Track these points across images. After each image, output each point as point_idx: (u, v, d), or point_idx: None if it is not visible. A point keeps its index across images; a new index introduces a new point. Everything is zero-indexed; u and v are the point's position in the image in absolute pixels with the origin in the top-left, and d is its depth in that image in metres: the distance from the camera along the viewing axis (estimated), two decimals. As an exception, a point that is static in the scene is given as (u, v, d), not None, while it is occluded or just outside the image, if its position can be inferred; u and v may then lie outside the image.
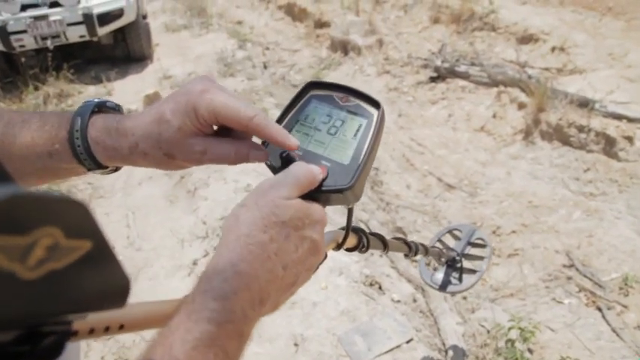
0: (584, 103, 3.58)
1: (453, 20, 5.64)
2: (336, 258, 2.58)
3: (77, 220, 0.26)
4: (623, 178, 3.10)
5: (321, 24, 6.45)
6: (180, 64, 5.90)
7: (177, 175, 3.55)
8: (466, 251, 1.67)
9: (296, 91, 0.61)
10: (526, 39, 4.93)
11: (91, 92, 5.30)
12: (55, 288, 0.25)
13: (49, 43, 5.01)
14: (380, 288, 2.47)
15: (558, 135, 3.52)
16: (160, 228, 3.05)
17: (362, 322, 2.24)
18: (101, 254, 0.28)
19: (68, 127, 0.55)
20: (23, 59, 5.30)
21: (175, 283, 2.60)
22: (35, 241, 0.23)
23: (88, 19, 5.06)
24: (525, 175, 3.34)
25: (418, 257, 1.47)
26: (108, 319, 0.40)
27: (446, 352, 2.13)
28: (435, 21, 5.82)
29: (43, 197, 0.23)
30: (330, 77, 5.19)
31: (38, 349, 0.29)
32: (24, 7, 4.90)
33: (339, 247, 0.67)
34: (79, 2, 5.05)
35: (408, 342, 2.14)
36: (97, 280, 0.28)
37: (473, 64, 4.53)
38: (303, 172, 0.51)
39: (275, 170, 0.56)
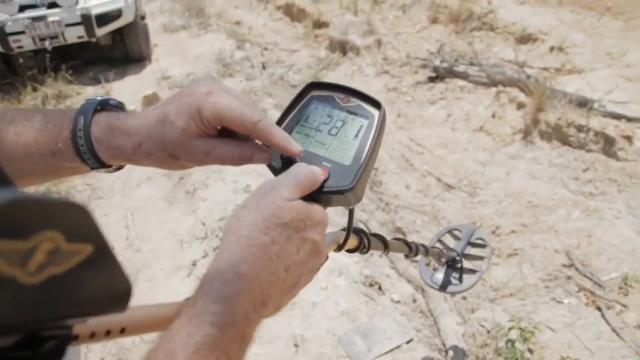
0: (583, 103, 3.58)
1: (451, 20, 5.64)
2: (336, 258, 2.58)
3: (78, 223, 0.25)
4: (622, 178, 3.10)
5: (319, 24, 6.45)
6: (179, 65, 5.89)
7: (176, 176, 3.55)
8: (466, 251, 1.67)
9: (295, 91, 0.61)
10: (524, 39, 4.93)
11: (90, 93, 5.29)
12: (56, 293, 0.25)
13: (47, 44, 5.00)
14: (380, 288, 2.46)
15: (557, 135, 3.52)
16: (159, 229, 3.04)
17: (362, 323, 2.24)
18: (102, 258, 0.28)
19: (71, 126, 0.54)
20: (21, 60, 5.29)
21: (174, 284, 2.60)
22: (36, 246, 0.23)
23: (86, 20, 5.05)
24: (524, 174, 3.34)
25: (418, 258, 1.47)
26: (109, 323, 0.40)
27: (446, 352, 2.13)
28: (434, 21, 5.82)
29: (43, 201, 0.23)
30: (329, 77, 5.18)
31: (39, 353, 0.29)
32: (22, 8, 4.89)
33: (340, 248, 0.67)
34: (77, 3, 5.04)
35: (408, 342, 2.14)
36: (98, 284, 0.28)
37: (471, 64, 4.53)
38: (305, 174, 0.51)
39: (276, 171, 0.56)
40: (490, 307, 2.36)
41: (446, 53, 4.81)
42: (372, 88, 4.75)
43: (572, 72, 4.24)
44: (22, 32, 4.86)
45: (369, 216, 3.02)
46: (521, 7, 5.62)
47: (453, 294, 2.01)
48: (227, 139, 0.55)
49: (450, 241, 1.72)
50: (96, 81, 5.59)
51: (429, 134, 3.95)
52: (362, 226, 2.80)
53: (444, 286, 1.61)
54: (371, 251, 0.78)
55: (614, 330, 2.20)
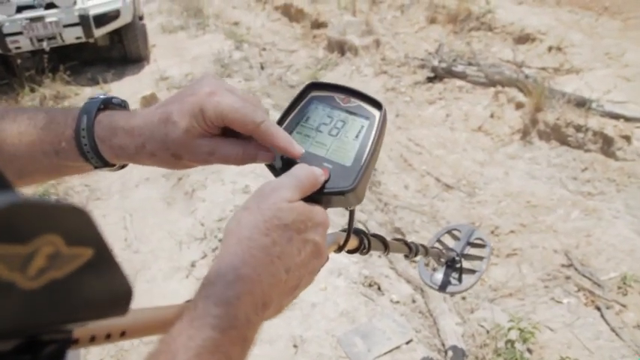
0: (582, 103, 3.59)
1: (449, 20, 5.64)
2: (335, 259, 2.57)
3: (78, 227, 0.25)
4: (621, 178, 3.10)
5: (317, 24, 6.45)
6: (177, 65, 5.89)
7: (174, 177, 3.54)
8: (465, 251, 1.67)
9: (293, 91, 0.61)
10: (523, 39, 4.94)
11: (88, 94, 5.28)
12: (56, 297, 0.25)
13: (45, 45, 4.99)
14: (379, 289, 2.46)
15: (556, 134, 3.52)
16: (158, 230, 3.04)
17: (361, 323, 2.23)
18: (103, 261, 0.28)
19: (74, 125, 0.54)
20: (19, 61, 5.28)
21: (173, 285, 2.59)
22: (36, 250, 0.23)
23: (84, 21, 5.04)
24: (523, 174, 3.34)
25: (417, 258, 1.46)
26: (109, 326, 0.40)
27: (445, 352, 2.13)
28: (432, 21, 5.82)
29: (43, 204, 0.23)
30: (327, 78, 5.18)
31: (39, 357, 0.28)
32: (20, 9, 4.88)
33: (340, 249, 0.67)
34: (75, 3, 5.02)
35: (407, 343, 2.14)
36: (98, 288, 0.28)
37: (470, 64, 4.54)
38: (305, 175, 0.50)
39: (276, 171, 0.56)
40: (489, 307, 2.36)
41: (444, 53, 4.81)
42: (370, 89, 4.75)
43: (571, 72, 4.25)
44: (20, 33, 4.84)
45: (368, 216, 3.02)
46: (520, 7, 5.63)
47: (452, 294, 2.01)
48: (230, 138, 0.54)
49: (450, 241, 1.72)
50: (94, 82, 5.58)
51: (427, 134, 3.95)
52: (361, 227, 2.80)
53: (443, 287, 1.60)
54: (371, 252, 0.78)
55: (613, 330, 2.21)
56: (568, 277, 2.50)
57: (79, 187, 3.58)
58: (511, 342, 2.08)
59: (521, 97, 3.88)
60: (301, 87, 0.61)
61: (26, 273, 0.23)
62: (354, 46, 5.47)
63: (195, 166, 0.57)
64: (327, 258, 0.55)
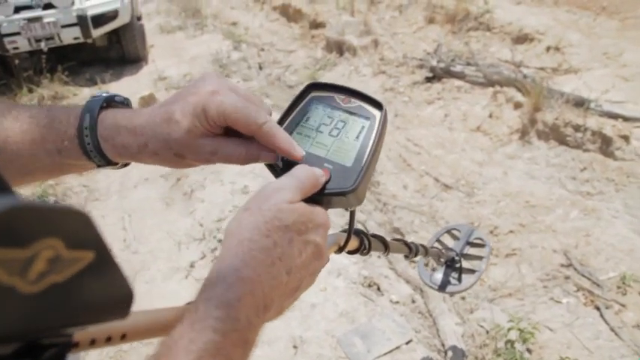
0: (580, 103, 3.59)
1: (448, 20, 5.65)
2: (335, 259, 2.57)
3: (79, 230, 0.25)
4: (619, 177, 3.10)
5: (316, 24, 6.45)
6: (176, 66, 5.88)
7: (173, 178, 3.54)
8: (465, 251, 1.67)
9: (292, 92, 0.60)
10: (521, 39, 4.94)
11: (86, 94, 5.27)
12: (57, 301, 0.24)
13: (43, 45, 4.98)
14: (378, 289, 2.46)
15: (555, 134, 3.52)
16: (157, 230, 3.03)
17: (361, 324, 2.23)
18: (104, 264, 0.27)
19: (77, 124, 0.54)
20: (17, 61, 5.27)
21: (172, 285, 2.59)
22: (36, 254, 0.22)
23: (82, 21, 5.03)
24: (522, 174, 3.34)
25: (417, 258, 1.46)
26: (109, 329, 0.39)
27: (445, 352, 2.13)
28: (430, 21, 5.82)
29: (43, 208, 0.22)
30: (326, 78, 5.18)
31: (39, 362, 0.28)
32: (17, 9, 4.87)
33: (340, 250, 0.67)
34: (73, 4, 5.02)
35: (407, 343, 2.14)
36: (99, 291, 0.27)
37: (468, 64, 4.54)
38: (306, 176, 0.50)
39: (276, 172, 0.55)
40: (489, 307, 2.36)
41: (443, 53, 4.81)
42: (369, 89, 4.75)
43: (569, 72, 4.25)
44: (18, 33, 4.83)
45: (367, 216, 3.02)
46: (518, 7, 5.63)
47: (452, 294, 2.01)
48: (233, 138, 0.54)
49: (449, 241, 1.72)
50: (92, 82, 5.57)
51: (426, 134, 3.95)
52: (359, 227, 2.80)
53: (443, 286, 1.60)
54: (371, 252, 0.78)
55: (612, 329, 2.20)
56: (567, 277, 2.50)
57: (78, 188, 3.57)
58: (511, 342, 2.08)
59: (519, 97, 3.88)
60: (301, 87, 0.60)
61: (26, 277, 0.22)
62: (352, 46, 5.47)
63: (197, 165, 0.57)
64: (328, 259, 0.55)
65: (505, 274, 2.57)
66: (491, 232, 2.85)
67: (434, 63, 4.67)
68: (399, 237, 2.24)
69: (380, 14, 6.32)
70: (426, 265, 1.79)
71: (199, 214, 3.10)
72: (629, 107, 3.57)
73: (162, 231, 3.01)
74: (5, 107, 0.55)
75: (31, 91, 5.02)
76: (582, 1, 5.39)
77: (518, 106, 3.87)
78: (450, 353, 2.11)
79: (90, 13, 5.08)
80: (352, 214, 0.62)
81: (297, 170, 0.50)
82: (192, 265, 2.70)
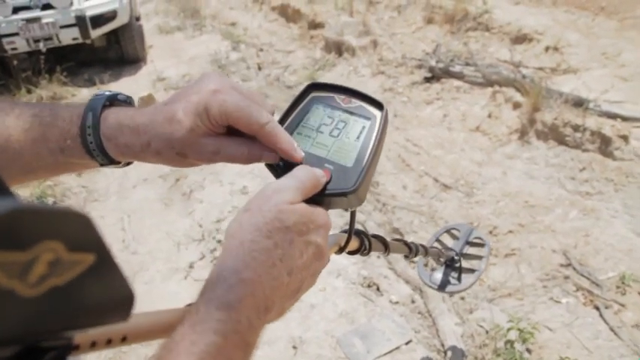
0: (579, 103, 3.59)
1: (446, 20, 5.65)
2: (334, 260, 2.56)
3: (79, 232, 0.24)
4: (619, 177, 3.10)
5: (315, 25, 6.44)
6: (174, 66, 5.88)
7: (172, 178, 3.53)
8: (464, 250, 1.66)
9: (291, 92, 0.60)
10: (520, 39, 4.94)
11: (85, 95, 5.26)
12: (57, 305, 0.24)
13: (41, 46, 4.97)
14: (378, 289, 2.46)
15: (554, 134, 3.52)
16: (156, 231, 3.03)
17: (360, 324, 2.23)
18: (104, 267, 0.27)
19: (80, 122, 0.53)
20: (15, 62, 5.26)
21: (172, 286, 2.58)
22: (36, 257, 0.22)
23: (80, 22, 5.02)
24: (521, 174, 3.34)
25: (416, 258, 1.46)
26: (110, 332, 0.39)
27: (445, 352, 2.13)
28: (429, 21, 5.83)
29: (44, 210, 0.22)
30: (325, 78, 5.18)
31: (39, 365, 0.28)
32: (16, 10, 4.86)
33: (341, 250, 0.66)
34: (71, 4, 5.01)
35: (407, 343, 2.14)
36: (100, 294, 0.27)
37: (467, 64, 4.54)
38: (307, 176, 0.50)
39: (276, 172, 0.55)
40: (488, 307, 2.36)
41: (441, 53, 4.81)
42: (368, 89, 4.75)
43: (568, 72, 4.26)
44: (16, 34, 4.82)
45: (367, 217, 3.02)
46: (516, 7, 5.64)
47: (451, 294, 2.01)
48: (236, 137, 0.54)
49: (449, 241, 1.72)
50: (91, 83, 5.57)
51: (425, 134, 3.95)
52: (359, 228, 2.80)
53: (442, 286, 1.60)
54: (371, 252, 0.78)
55: (612, 329, 2.21)
56: (567, 277, 2.50)
57: (77, 189, 3.56)
58: (510, 342, 2.08)
59: (518, 97, 3.89)
60: (300, 87, 0.60)
61: (26, 280, 0.22)
62: (351, 46, 5.47)
63: (200, 164, 0.57)
64: (329, 260, 0.55)
65: (504, 274, 2.57)
66: (491, 232, 2.85)
67: (433, 63, 4.67)
68: (398, 237, 2.24)
69: (379, 14, 6.32)
70: (426, 265, 1.79)
71: (198, 215, 3.10)
72: (627, 107, 3.57)
73: (161, 232, 3.01)
74: (7, 105, 0.55)
75: (29, 91, 5.01)
76: (581, 2, 5.40)
77: (517, 106, 3.87)
78: (449, 353, 2.11)
79: (88, 13, 5.07)
80: (353, 215, 0.62)
81: (297, 171, 0.50)
82: (191, 266, 2.70)
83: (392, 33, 5.75)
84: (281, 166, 0.55)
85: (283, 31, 6.87)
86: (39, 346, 0.27)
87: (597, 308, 2.32)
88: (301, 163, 0.53)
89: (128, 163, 0.59)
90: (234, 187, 3.28)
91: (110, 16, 5.28)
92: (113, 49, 6.11)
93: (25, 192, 3.36)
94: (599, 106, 3.54)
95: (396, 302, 2.38)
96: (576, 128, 3.41)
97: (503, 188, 3.20)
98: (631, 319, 2.25)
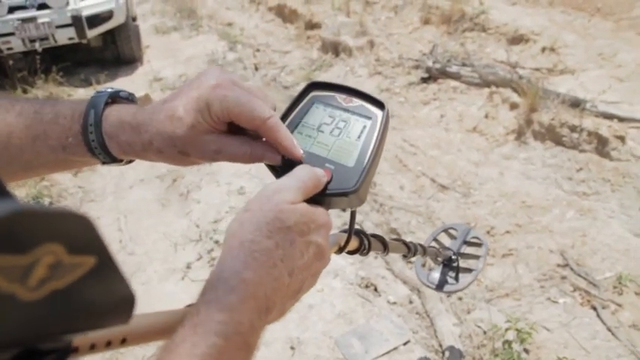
0: (576, 103, 3.60)
1: (443, 21, 5.65)
2: (332, 260, 2.56)
3: (80, 234, 0.24)
4: (615, 178, 3.11)
5: (311, 25, 6.44)
6: (171, 66, 5.86)
7: (169, 178, 3.52)
8: (462, 250, 1.66)
9: (288, 92, 0.60)
10: (516, 39, 4.95)
11: (81, 95, 5.24)
12: (57, 308, 0.24)
13: (37, 46, 4.94)
14: (376, 290, 2.46)
15: (551, 135, 3.53)
16: (153, 232, 3.02)
17: (358, 325, 2.23)
18: (105, 269, 0.26)
19: (82, 120, 0.53)
20: (11, 62, 5.23)
21: (169, 287, 2.57)
22: (36, 260, 0.21)
23: (77, 22, 5.00)
24: (518, 175, 3.35)
25: (414, 259, 1.46)
26: (109, 334, 0.39)
27: (443, 353, 2.13)
28: (426, 22, 5.83)
29: (44, 212, 0.21)
30: (322, 78, 5.16)
31: (38, 368, 0.27)
32: (11, 10, 4.83)
33: (341, 250, 0.66)
34: (67, 4, 4.98)
35: (405, 344, 2.14)
36: (101, 296, 0.27)
37: (464, 65, 4.54)
38: (308, 176, 0.49)
39: (277, 172, 0.55)
40: (486, 307, 2.36)
41: (438, 54, 4.81)
42: (365, 89, 4.74)
43: (565, 72, 4.27)
44: (12, 34, 4.79)
45: (364, 217, 3.01)
46: (513, 8, 5.65)
47: (449, 293, 2.01)
48: (238, 136, 0.53)
49: (446, 240, 1.72)
50: (87, 83, 5.55)
51: (422, 135, 3.95)
52: (357, 228, 2.79)
53: (440, 286, 1.60)
54: (370, 252, 0.77)
55: (609, 329, 2.21)
56: (564, 277, 2.50)
57: (73, 189, 3.55)
58: (508, 342, 2.08)
59: (515, 98, 3.89)
60: (298, 88, 0.60)
61: (26, 284, 0.21)
62: (348, 46, 5.47)
63: (201, 163, 0.56)
64: (329, 260, 0.55)
65: (502, 275, 2.57)
66: (488, 232, 2.85)
67: (430, 64, 4.67)
68: (396, 237, 2.24)
69: (375, 15, 6.32)
70: (423, 265, 1.79)
71: (195, 215, 3.09)
72: (624, 108, 3.58)
73: (158, 232, 3.00)
74: (9, 102, 0.54)
75: (25, 91, 4.98)
76: (577, 2, 5.41)
77: (514, 106, 3.88)
78: (447, 354, 2.11)
79: (85, 13, 5.05)
80: (353, 214, 0.62)
81: (298, 170, 0.50)
82: (188, 267, 2.69)
83: (389, 33, 5.75)
84: (281, 166, 0.54)
85: (280, 32, 6.86)
86: (38, 349, 0.27)
87: (594, 308, 2.32)
88: (301, 163, 0.53)
89: (129, 162, 0.59)
90: (231, 187, 3.27)
91: (106, 16, 5.26)
92: (109, 49, 6.09)
93: (21, 192, 3.35)
94: (596, 107, 3.55)
95: (394, 303, 2.38)
96: (573, 129, 3.42)
97: (500, 189, 3.21)
98: (628, 319, 2.26)
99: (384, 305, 2.36)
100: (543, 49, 4.65)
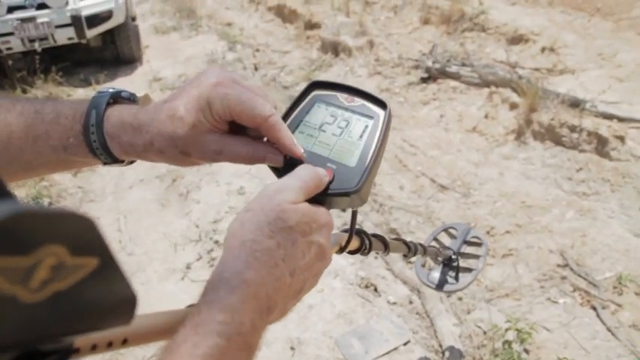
0: (576, 103, 3.60)
1: (443, 21, 5.65)
2: (332, 260, 2.56)
3: (83, 236, 0.24)
4: (615, 178, 3.11)
5: (311, 25, 6.43)
6: (170, 66, 5.86)
7: (168, 179, 3.52)
8: (462, 250, 1.66)
9: (287, 92, 0.60)
10: (516, 39, 4.95)
11: (80, 95, 5.24)
12: (59, 310, 0.23)
13: (36, 46, 4.93)
14: (376, 290, 2.46)
15: (550, 135, 3.53)
16: (153, 232, 3.02)
17: (358, 325, 2.23)
18: (108, 270, 0.26)
19: (83, 120, 0.52)
20: (10, 62, 5.22)
21: (169, 287, 2.57)
22: (38, 262, 0.21)
23: (76, 21, 4.99)
24: (518, 175, 3.35)
25: (414, 259, 1.45)
26: (111, 335, 0.38)
27: (443, 353, 2.13)
28: (425, 22, 5.83)
29: (46, 213, 0.21)
30: (322, 78, 5.16)
31: (39, 369, 0.27)
32: (10, 9, 4.82)
33: (342, 250, 0.66)
34: (67, 4, 4.98)
35: (405, 344, 2.13)
36: (103, 298, 0.27)
37: (464, 65, 4.54)
38: (310, 176, 0.49)
39: (278, 172, 0.55)
40: (486, 307, 2.36)
41: (438, 54, 4.81)
42: (366, 89, 4.73)
43: (564, 72, 4.27)
44: (11, 34, 4.78)
45: (364, 217, 3.01)
46: (513, 8, 5.65)
47: (449, 293, 2.01)
48: (239, 137, 0.53)
49: (446, 240, 1.72)
50: (86, 83, 5.54)
51: (422, 135, 3.95)
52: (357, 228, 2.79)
53: (440, 285, 1.60)
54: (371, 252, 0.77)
55: (609, 329, 2.21)
56: (564, 277, 2.50)
57: (73, 189, 3.54)
58: (508, 342, 2.08)
59: (515, 98, 3.89)
60: (298, 88, 0.60)
61: (28, 286, 0.21)
62: (347, 46, 5.47)
63: (202, 164, 0.56)
64: (330, 260, 0.54)
65: (502, 275, 2.57)
66: (488, 232, 2.85)
67: (429, 64, 4.67)
68: (396, 237, 2.24)
69: (375, 15, 6.32)
70: (423, 265, 1.79)
71: (195, 216, 3.09)
72: (624, 108, 3.58)
73: (157, 232, 3.00)
74: (9, 102, 0.54)
75: (24, 92, 4.98)
76: (577, 2, 5.41)
77: (513, 106, 3.88)
78: (447, 354, 2.11)
79: (84, 13, 5.04)
80: (354, 214, 0.62)
81: (300, 170, 0.50)
82: (188, 267, 2.69)
83: (388, 33, 5.75)
84: (283, 166, 0.54)
85: (279, 32, 6.86)
86: (39, 350, 0.27)
87: (594, 308, 2.32)
88: (303, 163, 0.53)
89: (131, 162, 0.59)
90: (231, 187, 3.27)
91: (106, 16, 5.25)
92: (109, 49, 6.08)
93: (21, 192, 3.34)
94: (596, 107, 3.55)
95: (394, 303, 2.38)
96: (573, 129, 3.42)
97: (500, 189, 3.21)
98: (628, 319, 2.26)
99: (384, 305, 2.35)
100: (543, 49, 4.65)
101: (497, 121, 3.89)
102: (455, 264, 1.60)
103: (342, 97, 0.58)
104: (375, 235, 0.79)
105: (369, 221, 2.98)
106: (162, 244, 2.89)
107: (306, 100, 0.59)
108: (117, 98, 0.55)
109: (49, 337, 0.24)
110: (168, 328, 0.42)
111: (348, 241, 0.65)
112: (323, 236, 0.49)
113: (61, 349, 0.29)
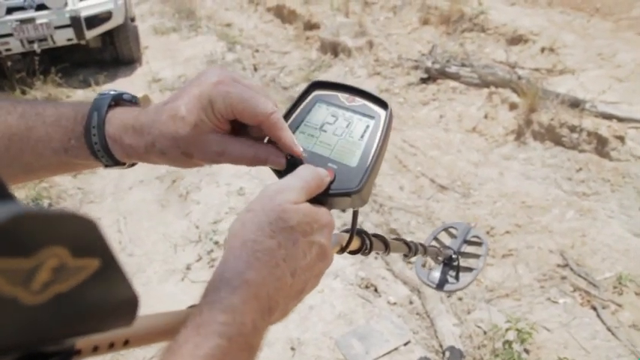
0: (575, 104, 3.60)
1: (442, 21, 5.65)
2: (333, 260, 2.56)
3: (84, 237, 0.24)
4: (615, 178, 3.11)
5: (310, 26, 6.43)
6: (170, 67, 5.86)
7: (168, 179, 3.52)
8: (462, 249, 1.66)
9: (287, 93, 0.60)
10: (516, 40, 4.96)
11: (80, 96, 5.24)
12: (61, 312, 0.23)
13: (36, 47, 4.93)
14: (376, 290, 2.45)
15: (550, 135, 3.53)
16: (153, 233, 3.01)
17: (359, 325, 2.23)
18: (109, 272, 0.26)
19: (84, 122, 0.52)
20: (9, 63, 5.22)
21: (169, 288, 2.57)
22: (40, 264, 0.21)
23: (75, 22, 4.99)
24: (518, 175, 3.35)
25: (414, 259, 1.45)
26: (112, 336, 0.38)
27: (443, 353, 2.13)
28: (425, 22, 5.83)
29: (48, 215, 0.21)
30: (322, 79, 5.16)
31: (40, 371, 0.27)
32: (9, 10, 4.81)
33: (343, 250, 0.66)
34: (66, 5, 4.97)
35: (405, 344, 2.13)
36: (104, 299, 0.26)
37: (463, 65, 4.54)
38: (311, 176, 0.49)
39: (279, 172, 0.54)
40: (486, 307, 2.36)
41: (437, 54, 4.81)
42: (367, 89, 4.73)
43: (564, 72, 4.27)
44: (10, 35, 4.78)
45: (364, 218, 3.01)
46: (512, 8, 5.65)
47: (450, 292, 2.01)
48: (241, 138, 0.53)
49: (446, 240, 1.71)
50: (86, 84, 5.54)
51: (421, 135, 3.95)
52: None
53: (440, 285, 1.60)
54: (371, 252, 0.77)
55: (609, 329, 2.21)
56: (564, 277, 2.50)
57: (72, 190, 3.54)
58: (508, 342, 2.08)
59: (514, 98, 3.89)
60: (300, 88, 0.60)
61: (29, 288, 0.21)
62: (347, 47, 5.47)
63: (204, 165, 0.56)
64: (331, 260, 0.54)
65: (502, 275, 2.57)
66: (488, 232, 2.85)
67: (429, 64, 4.67)
68: (397, 237, 2.23)
69: (374, 15, 6.32)
70: (424, 265, 1.78)
71: (195, 216, 3.09)
72: (623, 108, 3.58)
73: (157, 233, 3.00)
74: (10, 104, 0.54)
75: (24, 93, 4.98)
76: (576, 3, 5.42)
77: (513, 106, 3.88)
78: (447, 354, 2.11)
79: (83, 14, 5.04)
80: (355, 214, 0.61)
81: (301, 170, 0.50)
82: (188, 268, 2.69)
83: (388, 34, 5.75)
84: (284, 166, 0.54)
85: (279, 32, 6.86)
86: (40, 352, 0.27)
87: (594, 308, 2.32)
88: (304, 163, 0.53)
89: (132, 165, 0.58)
90: (230, 188, 3.27)
91: (105, 17, 5.25)
92: (108, 50, 6.08)
93: (21, 194, 3.34)
94: (596, 107, 3.55)
95: (394, 303, 2.38)
96: (572, 129, 3.42)
97: (500, 189, 3.21)
98: (628, 319, 2.26)
99: (384, 306, 2.35)
100: (542, 50, 4.65)
101: (497, 121, 3.89)
102: (455, 263, 1.60)
103: (343, 97, 0.58)
104: (375, 235, 0.79)
105: (369, 222, 2.98)
106: (162, 245, 2.89)
107: (307, 100, 0.59)
108: (118, 100, 0.55)
109: (51, 338, 0.24)
110: (169, 329, 0.42)
111: (349, 241, 0.65)
112: (324, 236, 0.49)
113: (62, 351, 0.29)
